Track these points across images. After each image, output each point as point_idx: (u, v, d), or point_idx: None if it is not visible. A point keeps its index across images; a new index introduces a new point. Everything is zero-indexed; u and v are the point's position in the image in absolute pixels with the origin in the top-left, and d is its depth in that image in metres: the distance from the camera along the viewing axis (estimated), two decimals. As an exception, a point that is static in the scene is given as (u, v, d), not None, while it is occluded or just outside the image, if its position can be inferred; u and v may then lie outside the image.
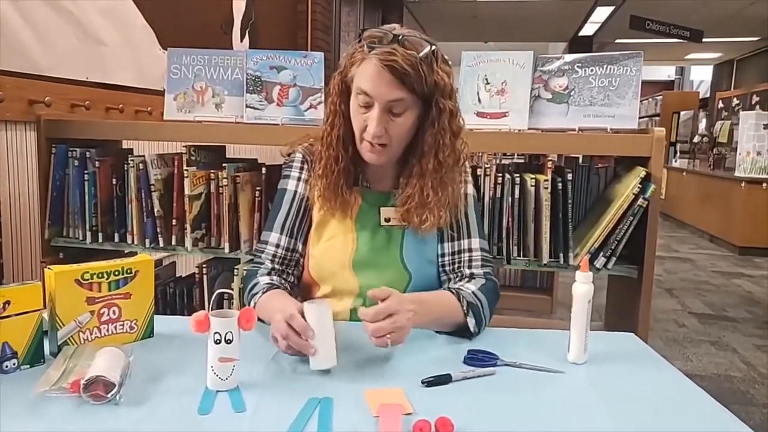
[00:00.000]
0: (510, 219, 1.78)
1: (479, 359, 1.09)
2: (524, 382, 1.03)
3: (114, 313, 1.12)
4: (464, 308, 1.21)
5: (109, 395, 0.89)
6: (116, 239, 2.05)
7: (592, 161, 1.95)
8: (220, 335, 0.92)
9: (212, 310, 1.15)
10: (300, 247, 1.35)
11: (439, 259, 1.34)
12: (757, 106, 7.98)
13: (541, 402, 0.97)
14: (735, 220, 6.27)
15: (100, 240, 2.04)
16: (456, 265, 1.32)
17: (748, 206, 6.07)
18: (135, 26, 2.76)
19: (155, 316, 1.21)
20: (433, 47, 1.19)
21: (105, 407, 0.89)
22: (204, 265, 2.08)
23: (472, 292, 1.25)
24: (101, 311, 1.10)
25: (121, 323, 1.13)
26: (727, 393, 2.75)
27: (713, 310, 4.29)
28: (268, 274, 1.32)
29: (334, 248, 1.31)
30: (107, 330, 1.11)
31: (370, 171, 1.33)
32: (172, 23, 3.03)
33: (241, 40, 3.90)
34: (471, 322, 1.20)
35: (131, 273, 1.13)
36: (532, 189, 1.75)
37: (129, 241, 2.04)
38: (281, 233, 1.33)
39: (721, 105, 9.76)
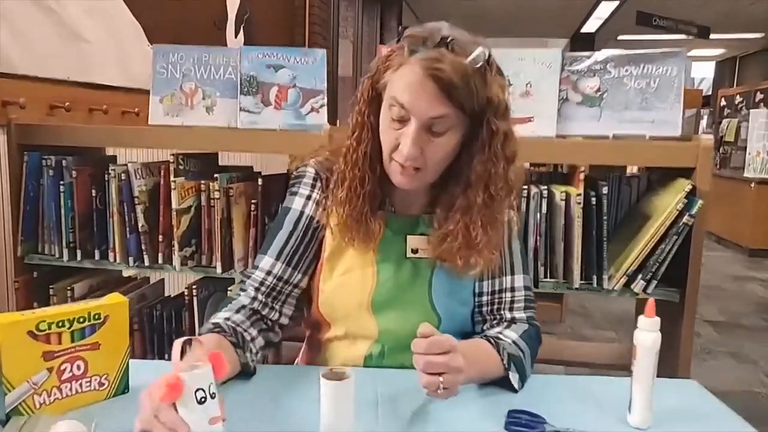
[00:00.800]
0: (537, 236, 1.59)
1: (523, 424, 0.90)
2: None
3: (78, 368, 0.92)
4: (505, 362, 1.02)
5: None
6: (96, 256, 1.85)
7: (624, 170, 1.76)
8: (204, 391, 0.73)
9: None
10: (298, 278, 1.13)
11: (476, 299, 1.14)
12: (762, 104, 7.81)
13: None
14: (744, 221, 6.10)
15: (79, 257, 1.85)
16: (495, 307, 1.13)
17: (759, 207, 5.90)
18: (121, 22, 2.55)
19: (132, 361, 1.02)
20: (488, 53, 0.98)
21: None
22: (194, 286, 1.88)
23: (513, 342, 1.06)
24: (62, 367, 0.91)
25: (88, 380, 0.94)
26: (752, 411, 2.58)
27: (728, 317, 4.13)
28: (237, 311, 1.08)
29: (350, 284, 1.11)
30: (70, 389, 0.92)
31: (396, 192, 1.12)
32: (162, 19, 2.82)
33: (236, 36, 3.69)
34: (514, 378, 1.01)
35: (99, 319, 0.93)
36: (562, 203, 1.56)
37: (111, 258, 1.84)
38: (277, 259, 1.11)
39: (723, 103, 9.58)
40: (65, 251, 1.83)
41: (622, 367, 2.03)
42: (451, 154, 1.02)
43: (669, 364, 1.57)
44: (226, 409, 0.76)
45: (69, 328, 0.90)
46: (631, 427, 0.91)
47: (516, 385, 1.01)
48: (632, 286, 1.54)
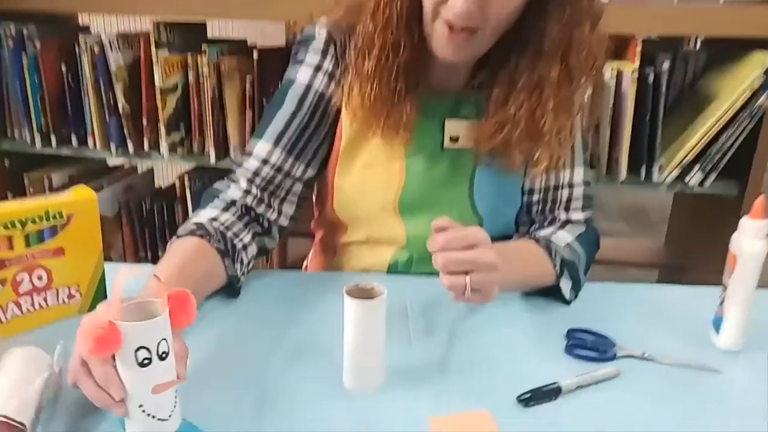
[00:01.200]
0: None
1: (588, 347, 0.74)
2: (665, 390, 0.68)
3: (40, 279, 0.74)
4: (557, 267, 0.84)
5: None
6: (74, 143, 1.64)
7: (682, 44, 1.51)
8: (150, 351, 0.52)
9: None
10: (301, 171, 0.90)
11: (525, 197, 0.94)
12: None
13: (699, 420, 0.62)
14: None
15: (54, 144, 1.63)
16: (548, 206, 0.93)
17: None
18: None
19: (113, 264, 0.84)
20: None
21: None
22: (186, 176, 1.69)
23: (568, 245, 0.88)
24: (17, 278, 0.73)
25: (53, 293, 0.76)
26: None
27: None
28: (225, 209, 0.87)
29: (373, 181, 0.90)
30: (31, 304, 0.74)
31: (434, 67, 0.87)
32: None
33: None
34: (566, 286, 0.84)
35: (61, 218, 0.74)
36: (612, 82, 1.33)
37: (90, 144, 1.63)
38: (275, 145, 0.88)
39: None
40: (37, 136, 1.62)
41: (652, 266, 1.90)
42: (517, 11, 0.76)
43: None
44: (209, 342, 0.59)
45: (21, 229, 0.71)
46: (720, 350, 0.75)
47: (567, 295, 0.84)
48: (686, 179, 1.35)
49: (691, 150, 1.32)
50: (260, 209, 0.89)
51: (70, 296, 0.78)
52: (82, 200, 0.76)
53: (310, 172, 0.92)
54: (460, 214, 0.91)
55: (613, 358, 0.73)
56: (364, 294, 0.65)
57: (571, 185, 0.92)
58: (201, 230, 0.82)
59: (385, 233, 0.93)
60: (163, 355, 0.52)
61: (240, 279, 0.84)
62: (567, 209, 0.93)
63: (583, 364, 0.72)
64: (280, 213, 0.92)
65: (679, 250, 1.78)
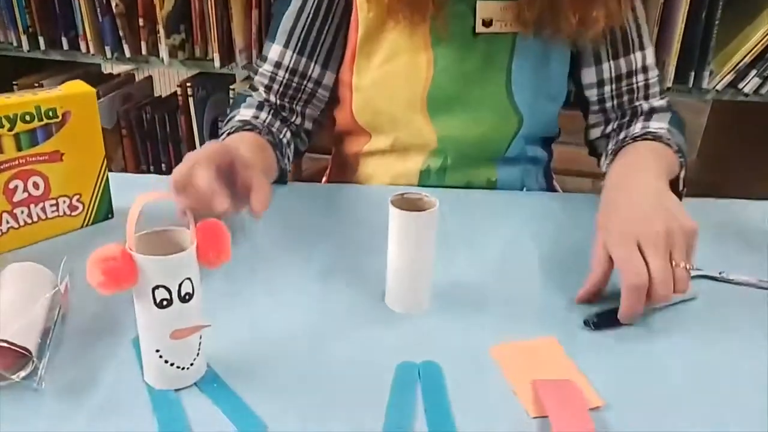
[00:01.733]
0: (624, 20, 1.24)
1: (657, 265, 0.66)
2: (745, 313, 0.60)
3: (36, 187, 0.65)
4: (679, 154, 0.74)
5: (16, 376, 0.46)
6: (65, 46, 1.50)
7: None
8: (169, 291, 0.43)
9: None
10: (318, 72, 0.82)
11: (594, 91, 0.83)
12: None
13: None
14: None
15: (43, 46, 1.50)
16: (626, 98, 0.82)
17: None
18: None
19: (116, 175, 0.75)
20: None
21: (12, 394, 0.46)
22: (188, 83, 1.56)
23: (668, 130, 0.78)
24: (10, 186, 0.63)
25: (53, 203, 0.67)
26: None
27: None
28: (260, 107, 0.83)
29: (396, 76, 0.79)
30: (28, 216, 0.66)
31: None
32: None
33: None
34: (682, 173, 0.76)
35: (56, 117, 0.64)
36: (664, -27, 1.19)
37: (82, 48, 1.49)
38: (286, 46, 0.80)
39: None
40: (24, 38, 1.48)
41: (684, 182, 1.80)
42: None
43: None
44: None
45: (10, 129, 0.61)
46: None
47: (681, 185, 0.75)
48: (740, 86, 1.23)
49: (748, 52, 1.20)
50: (284, 113, 0.84)
51: (72, 207, 0.69)
52: (78, 95, 0.65)
53: (329, 74, 0.83)
54: (498, 111, 0.81)
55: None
56: (411, 205, 0.56)
57: (645, 69, 0.81)
58: (249, 125, 0.78)
59: (413, 137, 0.83)
60: (186, 297, 0.44)
61: (287, 172, 0.81)
62: (647, 97, 0.82)
63: (651, 283, 0.64)
64: (303, 117, 0.86)
65: (714, 167, 1.69)
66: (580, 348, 0.54)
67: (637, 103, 0.82)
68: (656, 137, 0.74)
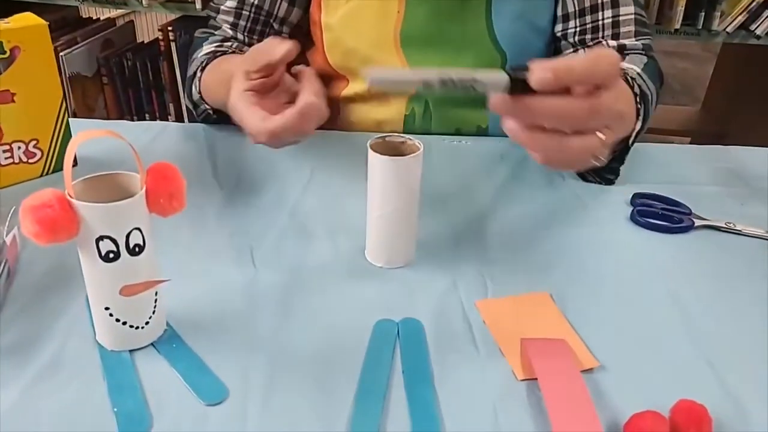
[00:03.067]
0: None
1: (659, 215, 0.61)
2: (756, 264, 0.56)
3: (-15, 130, 0.60)
4: (638, 99, 0.59)
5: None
6: (38, -13, 1.41)
7: None
8: (115, 243, 0.39)
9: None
10: (284, 9, 0.77)
11: (559, 26, 0.76)
12: None
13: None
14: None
15: (14, -12, 1.41)
16: (590, 35, 0.74)
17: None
18: None
19: (79, 120, 0.70)
20: None
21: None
22: (170, 28, 1.48)
23: (638, 74, 0.68)
24: (-44, 130, 0.58)
25: (6, 148, 0.62)
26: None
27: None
28: (224, 41, 0.77)
29: (365, 12, 0.73)
30: (-21, 162, 0.61)
31: None
32: None
33: None
34: (636, 126, 0.60)
35: (3, 52, 0.58)
36: None
37: (57, -11, 1.41)
38: None
39: None
40: (-7, -22, 1.39)
41: (687, 133, 1.75)
42: None
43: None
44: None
45: (-49, 66, 0.55)
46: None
47: (632, 138, 0.62)
48: (752, 27, 1.16)
49: (760, -8, 1.12)
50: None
51: (29, 154, 0.63)
52: (28, 28, 0.59)
53: (296, 12, 0.78)
54: (478, 46, 0.75)
55: (690, 228, 0.60)
56: (392, 150, 0.50)
57: (615, 3, 0.73)
58: (220, 52, 0.74)
59: None
60: (136, 249, 0.39)
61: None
62: (616, 36, 0.73)
63: (653, 235, 0.59)
64: None
65: (718, 116, 1.62)
66: (575, 305, 0.49)
67: (604, 41, 0.74)
68: (624, 73, 0.64)
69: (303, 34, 0.79)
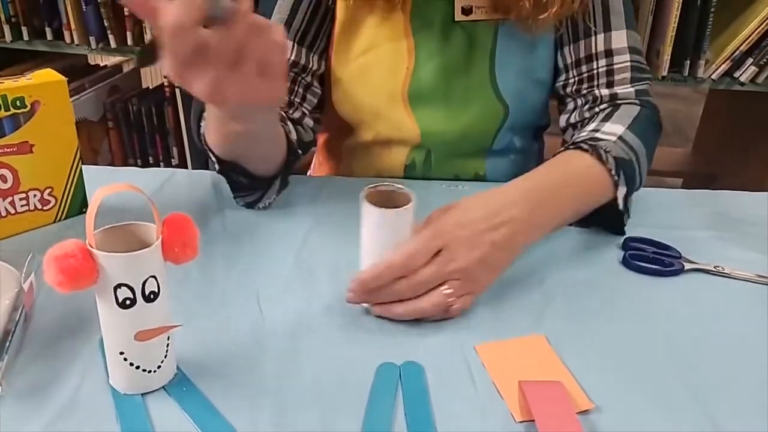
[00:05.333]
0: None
1: (650, 259, 0.64)
2: (744, 308, 0.58)
3: (5, 180, 0.63)
4: (613, 172, 0.64)
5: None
6: (48, 36, 1.47)
7: None
8: (132, 290, 0.41)
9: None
10: (316, 63, 0.77)
11: (560, 78, 0.79)
12: None
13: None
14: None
15: (26, 37, 1.47)
16: (585, 84, 0.77)
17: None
18: None
19: (95, 168, 0.73)
20: None
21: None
22: (175, 74, 1.53)
23: (619, 138, 0.68)
24: (-24, 179, 0.61)
25: (22, 197, 0.64)
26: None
27: None
28: None
29: (375, 66, 0.76)
30: (-4, 210, 0.63)
31: None
32: None
33: None
34: (621, 194, 0.66)
35: (24, 106, 0.61)
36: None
37: (67, 39, 1.46)
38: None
39: None
40: (6, 28, 1.45)
41: (678, 174, 1.79)
42: None
43: None
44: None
45: (-26, 120, 0.58)
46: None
47: (622, 205, 0.66)
48: (736, 74, 1.21)
49: (744, 40, 1.18)
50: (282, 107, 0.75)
51: (44, 201, 0.66)
52: (48, 84, 0.63)
53: (324, 65, 0.79)
54: (481, 103, 0.78)
55: (680, 271, 0.62)
56: (386, 199, 0.53)
57: (609, 53, 0.75)
58: None
59: (395, 131, 0.80)
60: (151, 296, 0.41)
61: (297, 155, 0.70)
62: (610, 84, 0.75)
63: (644, 278, 0.62)
64: (303, 113, 0.76)
65: (709, 158, 1.66)
66: (571, 348, 0.51)
67: (597, 91, 0.75)
68: (594, 148, 0.65)
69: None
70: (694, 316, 0.56)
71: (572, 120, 0.78)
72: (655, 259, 0.63)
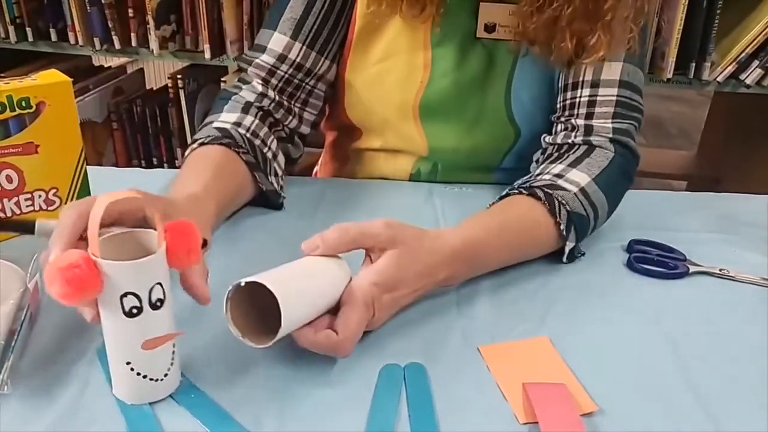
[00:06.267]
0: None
1: (655, 261, 0.63)
2: (749, 311, 0.58)
3: (10, 180, 0.63)
4: (563, 226, 0.62)
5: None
6: (53, 37, 1.47)
7: None
8: (139, 298, 0.40)
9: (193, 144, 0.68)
10: (325, 68, 0.75)
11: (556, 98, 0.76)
12: None
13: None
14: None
15: (30, 38, 1.47)
16: (567, 112, 0.72)
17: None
18: None
19: (98, 169, 0.73)
20: None
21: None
22: (179, 76, 1.53)
23: (581, 190, 0.64)
24: (-18, 180, 0.61)
25: (28, 197, 0.64)
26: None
27: None
28: (245, 110, 0.72)
29: (390, 76, 0.75)
30: (1, 211, 0.63)
31: None
32: None
33: None
34: (568, 247, 0.63)
35: (30, 107, 0.61)
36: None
37: (71, 40, 1.47)
38: (293, 38, 0.72)
39: None
40: (11, 29, 1.45)
41: (683, 177, 1.78)
42: None
43: None
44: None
45: (-20, 120, 0.59)
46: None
47: (565, 259, 0.63)
48: (742, 77, 1.21)
49: (750, 43, 1.17)
50: (279, 114, 0.74)
51: (48, 202, 0.66)
52: (53, 85, 0.63)
53: (333, 69, 0.77)
54: (494, 124, 0.76)
55: (685, 274, 0.62)
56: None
57: (596, 84, 0.70)
58: (227, 138, 0.68)
59: (403, 142, 0.79)
60: (158, 304, 0.41)
61: (281, 194, 0.72)
62: (588, 116, 0.70)
63: (649, 281, 0.62)
64: (301, 120, 0.77)
65: (713, 161, 1.66)
66: (574, 349, 0.51)
67: (574, 121, 0.70)
68: (549, 197, 0.62)
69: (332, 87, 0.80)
70: (698, 319, 0.56)
71: (545, 144, 0.74)
72: (659, 262, 0.63)
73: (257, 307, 0.46)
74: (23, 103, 0.61)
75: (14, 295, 0.50)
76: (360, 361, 0.49)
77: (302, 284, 0.47)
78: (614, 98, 0.70)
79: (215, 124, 0.71)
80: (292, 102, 0.76)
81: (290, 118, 0.76)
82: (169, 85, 1.56)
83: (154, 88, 1.73)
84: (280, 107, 0.75)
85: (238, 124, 0.71)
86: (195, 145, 0.68)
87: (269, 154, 0.72)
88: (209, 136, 0.68)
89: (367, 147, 0.84)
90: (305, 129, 0.78)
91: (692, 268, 0.63)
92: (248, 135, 0.70)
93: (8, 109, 0.60)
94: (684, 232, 0.70)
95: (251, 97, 0.73)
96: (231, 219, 0.69)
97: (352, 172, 0.88)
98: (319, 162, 0.98)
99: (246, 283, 0.45)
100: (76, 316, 0.51)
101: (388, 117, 0.78)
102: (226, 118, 0.72)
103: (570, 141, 0.70)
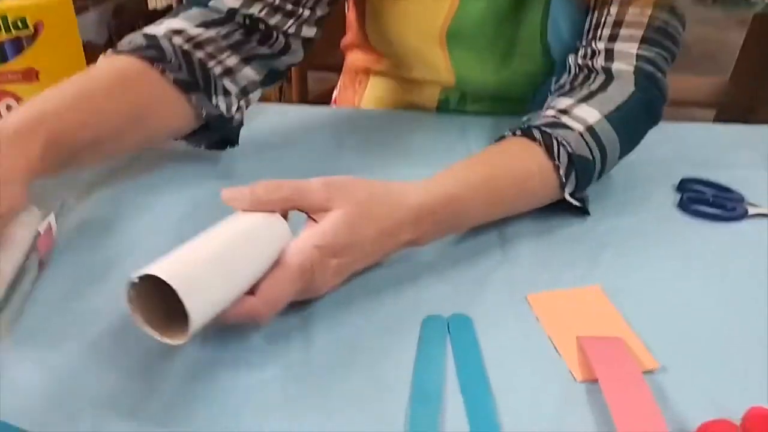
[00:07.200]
0: None
1: (710, 202, 0.59)
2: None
3: (9, 110, 0.58)
4: (562, 170, 0.54)
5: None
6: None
7: None
8: None
9: None
10: None
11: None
12: None
13: None
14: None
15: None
16: (591, 33, 0.63)
17: None
18: None
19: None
20: None
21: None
22: (183, -6, 1.43)
23: (587, 129, 0.55)
24: (-21, 109, 0.56)
25: (30, 128, 0.59)
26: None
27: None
28: (214, 22, 0.58)
29: (416, 5, 0.68)
30: (3, 143, 0.58)
31: None
32: None
33: None
34: (568, 189, 0.55)
35: (26, 27, 0.56)
36: None
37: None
38: None
39: None
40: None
41: (712, 104, 1.70)
42: None
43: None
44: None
45: (-27, 43, 0.53)
46: None
47: (573, 201, 0.56)
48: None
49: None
50: (274, 20, 0.60)
51: (53, 133, 0.61)
52: (51, 3, 0.56)
53: None
54: (529, 56, 0.70)
55: (743, 216, 0.58)
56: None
57: (627, 1, 0.60)
58: (151, 48, 0.55)
59: (428, 72, 0.73)
60: None
61: (232, 116, 0.60)
62: (613, 38, 0.60)
63: (703, 223, 0.57)
64: (304, 20, 0.62)
65: (748, 88, 1.57)
66: (627, 299, 0.47)
67: (596, 44, 0.61)
68: (546, 139, 0.54)
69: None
70: (759, 266, 0.52)
71: (562, 76, 0.64)
72: (715, 203, 0.59)
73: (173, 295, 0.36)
74: (19, 24, 0.55)
75: (24, 234, 0.45)
76: (400, 313, 0.45)
77: (220, 257, 0.39)
78: (646, 20, 0.60)
79: (147, 30, 0.57)
80: (296, 5, 0.61)
81: (291, 20, 0.61)
82: (174, 5, 1.46)
83: (158, 9, 1.63)
84: (277, 11, 0.60)
85: (179, 31, 0.57)
86: (102, 55, 0.57)
87: (217, 70, 0.58)
88: (129, 44, 0.56)
89: (390, 73, 0.78)
90: (308, 32, 0.64)
91: (751, 210, 0.58)
92: (186, 47, 0.56)
93: (3, 30, 0.54)
94: (739, 169, 0.65)
95: (235, 3, 0.58)
96: (244, 156, 0.64)
97: (373, 100, 0.82)
98: (338, 87, 0.92)
99: (139, 278, 0.36)
100: (94, 267, 0.47)
101: (412, 44, 0.72)
102: (170, 23, 0.57)
103: (587, 69, 0.61)
